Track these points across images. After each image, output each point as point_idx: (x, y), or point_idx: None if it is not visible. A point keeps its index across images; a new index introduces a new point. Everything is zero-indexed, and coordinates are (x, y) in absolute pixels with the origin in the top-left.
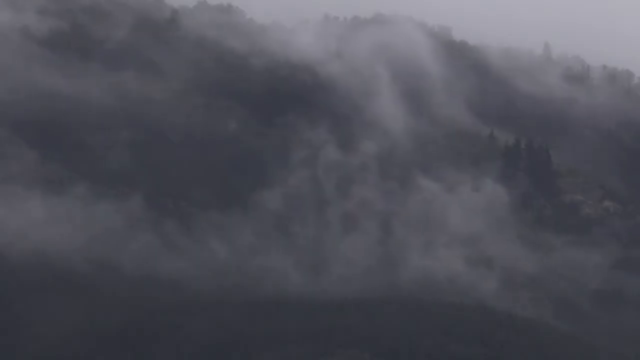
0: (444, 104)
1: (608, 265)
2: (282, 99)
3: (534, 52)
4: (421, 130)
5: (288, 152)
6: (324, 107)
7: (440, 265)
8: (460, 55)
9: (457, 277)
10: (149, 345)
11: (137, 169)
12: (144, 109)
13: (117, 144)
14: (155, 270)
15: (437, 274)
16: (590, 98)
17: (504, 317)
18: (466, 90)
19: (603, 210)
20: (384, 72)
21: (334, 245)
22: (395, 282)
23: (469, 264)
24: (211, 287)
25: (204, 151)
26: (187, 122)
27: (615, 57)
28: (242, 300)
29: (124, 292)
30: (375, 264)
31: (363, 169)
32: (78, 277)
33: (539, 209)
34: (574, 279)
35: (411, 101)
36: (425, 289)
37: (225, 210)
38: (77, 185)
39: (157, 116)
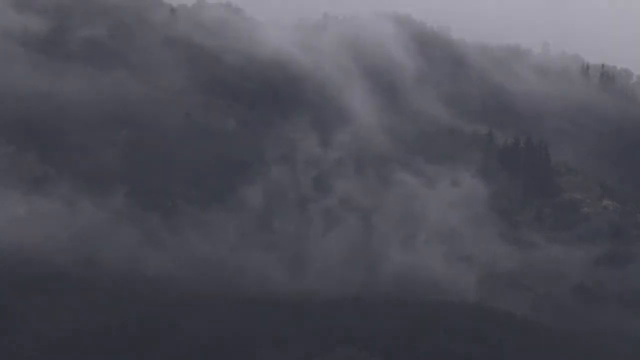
0: (428, 99)
1: (591, 260)
2: (266, 96)
3: (533, 51)
4: (400, 125)
5: (269, 148)
6: (303, 103)
7: (424, 262)
8: (454, 54)
9: (443, 274)
10: (140, 343)
11: (120, 166)
12: (127, 107)
13: (102, 142)
14: (141, 268)
15: (421, 271)
16: (588, 96)
17: (502, 315)
18: (453, 87)
19: (602, 208)
20: (364, 68)
21: (315, 242)
22: (381, 279)
23: (451, 259)
24: (199, 284)
25: (188, 148)
26: (171, 120)
27: (614, 56)
28: (233, 298)
29: (108, 289)
30: (358, 261)
31: (342, 165)
32: (62, 275)
33: (538, 207)
34: (557, 275)
35: (388, 96)
36: (412, 286)
37: (212, 207)
38: (60, 183)
39: (140, 114)
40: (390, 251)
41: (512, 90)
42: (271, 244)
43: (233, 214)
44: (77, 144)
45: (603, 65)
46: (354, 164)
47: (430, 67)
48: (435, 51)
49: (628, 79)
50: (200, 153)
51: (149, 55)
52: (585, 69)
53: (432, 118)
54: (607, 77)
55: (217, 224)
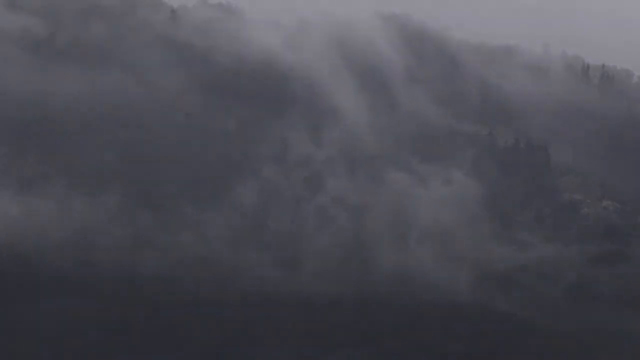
0: (420, 98)
1: (590, 260)
2: (260, 96)
3: (533, 51)
4: (393, 124)
5: (262, 148)
6: (295, 103)
7: (418, 261)
8: (450, 54)
9: (438, 274)
10: (135, 343)
11: (113, 165)
12: (123, 108)
13: (96, 142)
14: (136, 268)
15: (415, 270)
16: (589, 96)
17: (498, 315)
18: (447, 87)
19: (602, 209)
20: (356, 67)
21: (308, 241)
22: (375, 278)
23: (445, 259)
24: (192, 284)
25: (181, 148)
26: (166, 120)
27: (615, 57)
28: (228, 298)
29: (103, 289)
30: (352, 260)
31: (335, 163)
32: (56, 274)
33: (538, 207)
34: (554, 275)
35: (380, 94)
36: (406, 286)
37: (205, 207)
38: (53, 182)
39: (136, 115)
40: (383, 250)
41: (509, 90)
42: (265, 243)
43: (226, 214)
44: (72, 145)
45: (603, 66)
46: (346, 162)
47: (424, 66)
48: (430, 51)
49: (628, 79)
50: (193, 153)
51: (147, 56)
52: (586, 69)
53: (425, 117)
54: (607, 77)
55: (211, 224)
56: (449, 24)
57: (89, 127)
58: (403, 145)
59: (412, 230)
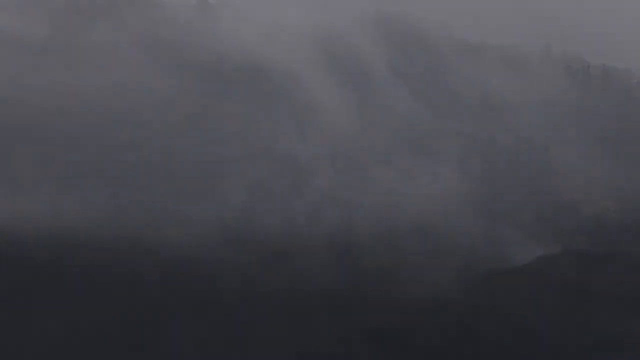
0: (408, 95)
1: (588, 260)
2: (248, 92)
3: (534, 51)
4: (381, 121)
5: (248, 144)
6: (284, 99)
7: (408, 257)
8: (447, 53)
9: (430, 271)
10: (128, 343)
11: (104, 164)
12: (111, 106)
13: (88, 141)
14: (128, 265)
15: (404, 268)
16: (589, 96)
17: (501, 315)
18: (440, 85)
19: (602, 208)
20: (342, 64)
21: (298, 238)
22: (366, 275)
23: (435, 256)
24: (179, 280)
25: (171, 145)
26: (152, 118)
27: (615, 56)
28: (222, 296)
29: (95, 287)
30: (341, 256)
31: (324, 160)
32: (49, 274)
33: (538, 207)
34: (549, 273)
35: (367, 91)
36: (397, 283)
37: (193, 203)
38: (46, 183)
39: (124, 113)
40: (373, 247)
41: (508, 89)
42: (253, 241)
43: (214, 211)
44: (65, 144)
45: (604, 66)
46: (334, 159)
47: (410, 63)
48: (423, 49)
49: (629, 79)
50: (181, 151)
51: (134, 55)
52: (586, 69)
53: (415, 114)
54: (607, 77)
55: (199, 221)
56: (448, 23)
57: (81, 126)
58: (392, 142)
59: (402, 227)
